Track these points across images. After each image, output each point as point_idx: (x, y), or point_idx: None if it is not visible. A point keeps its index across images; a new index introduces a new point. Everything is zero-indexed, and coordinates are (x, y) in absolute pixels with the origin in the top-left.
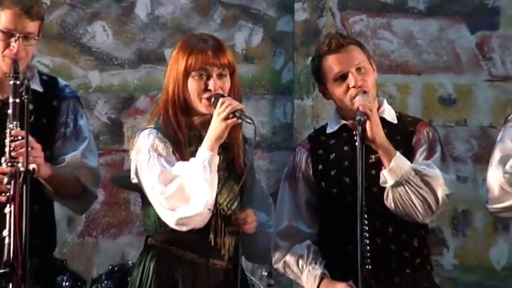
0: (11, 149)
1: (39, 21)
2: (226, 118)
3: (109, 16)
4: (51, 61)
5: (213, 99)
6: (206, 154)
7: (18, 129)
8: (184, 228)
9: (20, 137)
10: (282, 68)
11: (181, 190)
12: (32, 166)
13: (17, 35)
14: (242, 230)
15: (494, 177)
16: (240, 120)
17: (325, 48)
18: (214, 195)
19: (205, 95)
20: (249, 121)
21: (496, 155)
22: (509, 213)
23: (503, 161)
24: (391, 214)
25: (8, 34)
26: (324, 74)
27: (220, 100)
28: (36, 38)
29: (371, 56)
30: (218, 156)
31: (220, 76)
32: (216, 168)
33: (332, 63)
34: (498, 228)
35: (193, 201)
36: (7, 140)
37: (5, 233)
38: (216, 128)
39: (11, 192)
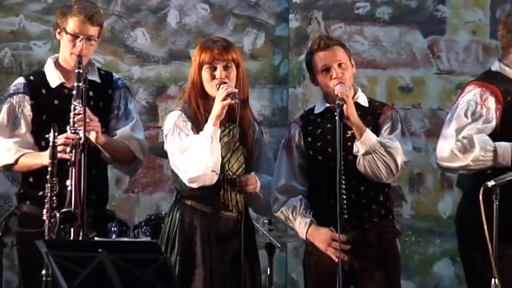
0: (74, 120)
1: (99, 27)
2: (223, 99)
3: (147, 24)
4: (103, 59)
5: (218, 85)
6: (209, 128)
7: (81, 106)
8: (195, 185)
9: (81, 112)
10: (279, 64)
11: (190, 156)
12: (91, 135)
13: (81, 37)
14: (245, 190)
15: (448, 141)
16: (233, 101)
17: (315, 46)
18: (216, 160)
19: (214, 83)
20: (238, 101)
21: (453, 125)
22: (453, 171)
23: (458, 131)
24: (362, 176)
25: (75, 36)
26: (314, 66)
27: (221, 86)
28: (97, 39)
29: (351, 55)
30: (219, 130)
31: (226, 68)
32: (218, 139)
33: (320, 58)
34: (444, 187)
35: (198, 164)
36: (71, 114)
37: (68, 182)
38: (216, 107)
39: (72, 159)
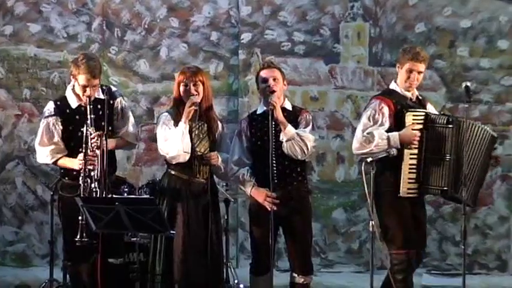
0: (93, 141)
1: (99, 77)
2: (189, 107)
3: (147, 56)
4: (118, 79)
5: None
6: (181, 125)
7: (94, 131)
8: (173, 162)
9: (96, 135)
10: (232, 83)
11: (170, 143)
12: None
13: (89, 86)
14: (209, 163)
15: (357, 137)
16: (195, 108)
17: (262, 66)
18: (186, 145)
19: (187, 95)
20: (197, 108)
21: (360, 127)
22: (364, 156)
23: (363, 130)
24: (286, 155)
25: (84, 87)
26: (259, 79)
27: (190, 98)
28: (98, 84)
29: (285, 77)
30: (188, 125)
31: (195, 85)
32: (187, 132)
33: (262, 74)
34: (339, 162)
35: (174, 148)
36: (89, 138)
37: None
38: (185, 112)
39: (99, 144)
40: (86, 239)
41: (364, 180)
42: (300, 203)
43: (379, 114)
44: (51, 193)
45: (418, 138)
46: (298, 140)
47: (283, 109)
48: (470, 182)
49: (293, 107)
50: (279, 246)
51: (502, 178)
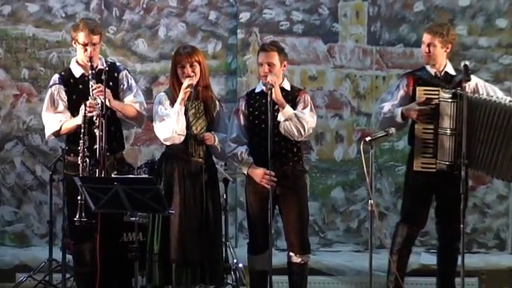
0: (93, 92)
1: (99, 35)
2: (185, 88)
3: (145, 36)
4: (117, 59)
5: (185, 78)
6: (176, 106)
7: (96, 83)
8: (168, 143)
9: (97, 87)
10: (231, 62)
11: (165, 124)
12: (107, 100)
13: (89, 44)
14: (204, 143)
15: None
16: (190, 89)
17: (261, 47)
18: (181, 126)
19: (184, 76)
20: (190, 89)
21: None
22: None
23: (379, 102)
24: (283, 135)
25: (84, 45)
26: (257, 60)
27: (187, 79)
28: (99, 43)
29: (285, 57)
30: (184, 106)
31: (191, 65)
32: (183, 113)
33: (259, 56)
34: (338, 141)
35: (168, 129)
36: (90, 89)
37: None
38: (181, 93)
39: (97, 124)
40: (84, 219)
41: (363, 159)
42: (295, 182)
43: (397, 90)
44: (50, 173)
45: (418, 113)
46: (295, 121)
47: (282, 89)
48: (486, 157)
49: (292, 87)
50: (277, 225)
51: None
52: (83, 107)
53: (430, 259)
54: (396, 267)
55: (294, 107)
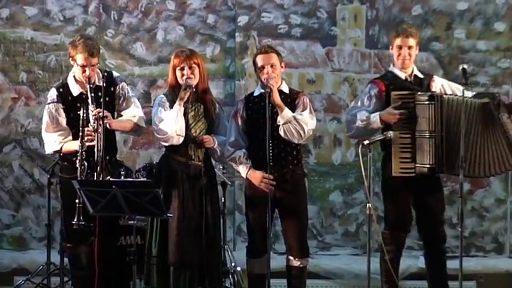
0: (95, 117)
1: (98, 56)
2: (184, 89)
3: (144, 39)
4: (115, 62)
5: (184, 80)
6: (175, 107)
7: (95, 108)
8: (167, 144)
9: (96, 113)
10: (229, 65)
11: (163, 125)
12: (107, 124)
13: (88, 66)
14: (203, 145)
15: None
16: (189, 90)
17: (259, 50)
18: (179, 127)
19: (183, 78)
20: (190, 90)
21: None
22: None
23: (349, 110)
24: (282, 138)
25: (82, 66)
26: (256, 64)
27: (186, 81)
28: (97, 64)
29: (282, 59)
30: (183, 108)
31: (190, 68)
32: (182, 114)
33: (259, 59)
34: (336, 144)
35: (167, 130)
36: (90, 114)
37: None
38: (180, 94)
39: (95, 128)
40: (83, 222)
41: (361, 163)
42: (295, 186)
43: (367, 97)
44: (48, 176)
45: (397, 117)
46: (294, 124)
47: (280, 92)
48: (472, 157)
49: (290, 89)
50: (276, 228)
51: None
52: (81, 124)
53: None
54: (391, 273)
55: (293, 109)
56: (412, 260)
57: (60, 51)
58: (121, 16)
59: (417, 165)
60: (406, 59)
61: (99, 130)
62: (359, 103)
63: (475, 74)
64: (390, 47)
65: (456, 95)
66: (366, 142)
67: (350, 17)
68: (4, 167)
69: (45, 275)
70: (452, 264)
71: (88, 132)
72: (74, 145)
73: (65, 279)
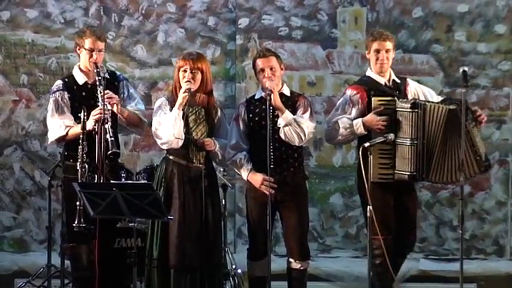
0: (105, 98)
1: (105, 42)
2: (183, 93)
3: (144, 42)
4: (116, 64)
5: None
6: (175, 111)
7: (103, 91)
8: (166, 147)
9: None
10: (230, 68)
11: (163, 129)
12: (114, 107)
13: (95, 50)
14: (204, 148)
15: (326, 126)
16: (187, 93)
17: (258, 54)
18: (178, 131)
19: (184, 80)
20: (188, 93)
21: (329, 115)
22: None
23: (330, 117)
24: (283, 140)
25: (91, 50)
26: (256, 67)
27: (184, 84)
28: (104, 50)
29: (281, 62)
30: (182, 111)
31: (192, 72)
32: (181, 118)
33: (259, 63)
34: (336, 147)
35: (166, 134)
36: (99, 96)
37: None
38: (179, 98)
39: (97, 130)
40: (83, 225)
41: (362, 165)
42: (296, 188)
43: (348, 104)
44: (49, 178)
45: (381, 123)
46: (295, 126)
47: (281, 94)
48: (438, 161)
49: (291, 92)
50: (277, 231)
51: (500, 163)
52: (82, 115)
53: (428, 265)
54: (384, 277)
55: (294, 112)
56: (413, 263)
57: (60, 54)
58: (122, 18)
59: (396, 171)
60: (384, 63)
61: (106, 125)
62: (339, 111)
63: (475, 76)
64: (367, 52)
65: (429, 101)
66: (366, 144)
67: (350, 20)
68: (5, 169)
69: (45, 278)
70: (452, 267)
71: (101, 110)
72: (78, 128)
73: (66, 281)
